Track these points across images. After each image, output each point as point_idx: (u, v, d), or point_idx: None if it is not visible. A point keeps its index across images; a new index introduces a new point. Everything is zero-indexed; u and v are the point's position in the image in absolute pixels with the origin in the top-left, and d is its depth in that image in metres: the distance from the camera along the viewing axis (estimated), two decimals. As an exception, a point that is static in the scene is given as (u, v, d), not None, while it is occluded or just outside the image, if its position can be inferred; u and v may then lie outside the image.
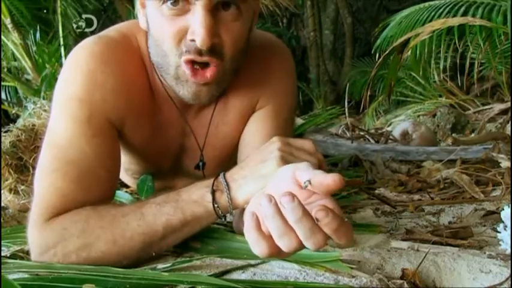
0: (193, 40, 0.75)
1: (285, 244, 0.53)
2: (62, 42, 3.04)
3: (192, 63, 0.77)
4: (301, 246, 0.53)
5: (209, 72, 0.78)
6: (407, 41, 1.98)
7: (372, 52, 3.18)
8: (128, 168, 1.06)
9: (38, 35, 3.03)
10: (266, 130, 0.94)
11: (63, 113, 0.82)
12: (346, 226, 0.53)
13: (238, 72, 0.86)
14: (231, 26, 0.77)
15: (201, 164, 0.99)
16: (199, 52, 0.76)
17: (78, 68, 0.83)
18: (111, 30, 0.90)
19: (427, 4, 2.91)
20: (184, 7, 0.75)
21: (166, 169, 1.03)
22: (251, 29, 0.85)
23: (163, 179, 1.07)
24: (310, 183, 0.56)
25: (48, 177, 0.81)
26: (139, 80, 0.88)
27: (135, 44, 0.88)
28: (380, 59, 2.04)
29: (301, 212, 0.51)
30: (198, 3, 0.73)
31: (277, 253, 0.55)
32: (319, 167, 0.64)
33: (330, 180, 0.55)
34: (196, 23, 0.74)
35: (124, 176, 1.13)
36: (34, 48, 3.02)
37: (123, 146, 0.92)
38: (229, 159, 0.99)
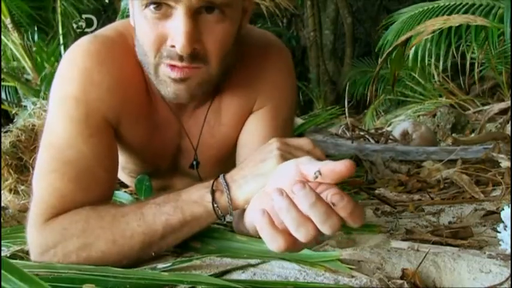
0: (174, 46, 0.74)
1: (302, 234, 0.54)
2: (61, 41, 3.04)
3: (172, 66, 0.76)
4: (318, 234, 0.54)
5: (187, 69, 0.76)
6: (409, 39, 1.99)
7: (376, 50, 3.18)
8: (124, 167, 1.05)
9: (36, 35, 3.03)
10: (265, 131, 0.93)
11: (60, 112, 0.82)
12: (360, 209, 0.54)
13: (231, 72, 0.84)
14: (214, 29, 0.75)
15: (194, 163, 0.98)
16: (181, 58, 0.74)
17: (75, 66, 0.83)
18: (108, 29, 0.90)
19: (425, 7, 2.91)
20: (167, 12, 0.73)
21: (164, 169, 1.03)
22: (241, 28, 0.83)
23: (161, 178, 1.07)
24: (320, 173, 0.56)
25: (46, 178, 0.81)
26: (136, 79, 0.87)
27: (132, 42, 0.87)
28: (384, 55, 2.05)
29: (314, 196, 0.52)
30: (179, 8, 0.72)
31: (293, 246, 0.55)
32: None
33: (341, 166, 0.55)
34: (177, 29, 0.72)
35: (121, 175, 1.13)
36: (33, 48, 3.01)
37: (119, 145, 0.91)
38: (227, 159, 0.99)
